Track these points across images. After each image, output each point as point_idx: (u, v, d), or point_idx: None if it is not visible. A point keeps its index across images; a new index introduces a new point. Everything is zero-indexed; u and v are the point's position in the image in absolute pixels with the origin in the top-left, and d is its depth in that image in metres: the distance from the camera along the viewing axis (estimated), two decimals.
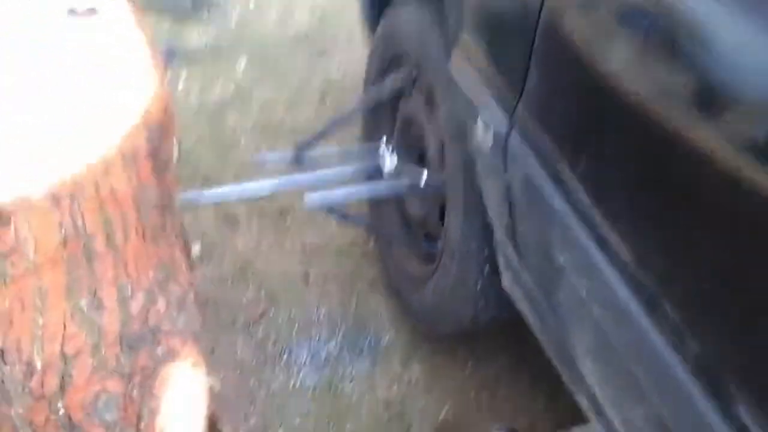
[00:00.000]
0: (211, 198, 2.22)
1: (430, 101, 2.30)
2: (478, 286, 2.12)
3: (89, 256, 1.63)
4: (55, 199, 1.49)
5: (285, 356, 2.47)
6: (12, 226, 1.51)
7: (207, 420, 1.99)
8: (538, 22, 1.58)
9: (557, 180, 1.55)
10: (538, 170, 1.61)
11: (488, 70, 1.80)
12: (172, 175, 1.95)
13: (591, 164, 1.46)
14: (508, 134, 1.71)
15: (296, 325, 2.57)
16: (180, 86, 3.57)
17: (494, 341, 2.47)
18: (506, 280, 1.96)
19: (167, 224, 1.88)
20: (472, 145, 1.93)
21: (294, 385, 2.38)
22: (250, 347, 2.49)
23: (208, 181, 3.01)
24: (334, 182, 2.38)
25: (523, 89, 1.65)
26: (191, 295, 1.97)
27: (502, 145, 1.73)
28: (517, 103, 1.68)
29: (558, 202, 1.54)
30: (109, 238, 1.65)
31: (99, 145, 1.57)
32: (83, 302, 1.65)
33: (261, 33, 4.03)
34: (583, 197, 1.46)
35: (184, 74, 3.69)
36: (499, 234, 1.89)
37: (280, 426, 2.25)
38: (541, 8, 1.57)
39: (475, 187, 2.02)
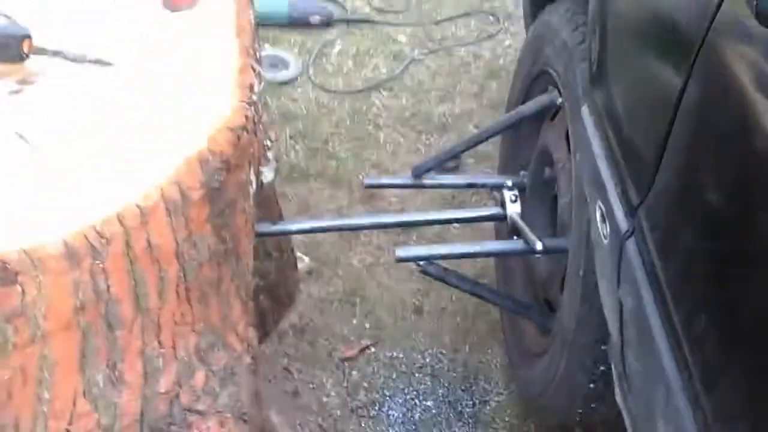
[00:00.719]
0: (296, 230, 1.94)
1: (569, 138, 1.91)
2: (590, 386, 1.74)
3: (111, 322, 1.41)
4: (73, 254, 1.26)
5: (376, 408, 2.18)
6: (18, 287, 1.30)
7: None
8: (677, 110, 1.17)
9: (670, 327, 1.16)
10: (652, 304, 1.21)
11: (613, 147, 1.40)
12: (246, 215, 1.69)
13: (714, 331, 1.06)
14: (625, 239, 1.31)
15: (397, 368, 2.28)
16: (332, 61, 3.29)
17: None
18: (617, 394, 1.58)
19: (224, 278, 1.63)
20: (592, 229, 1.54)
21: None
22: (340, 392, 2.21)
23: (332, 185, 2.74)
24: (445, 223, 2.04)
25: (649, 190, 1.25)
26: (245, 362, 1.71)
27: (618, 249, 1.34)
28: (640, 204, 1.28)
29: (668, 362, 1.15)
30: (138, 302, 1.43)
31: (135, 185, 1.33)
32: (99, 377, 1.44)
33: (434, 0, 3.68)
34: (698, 376, 1.07)
35: (337, 46, 3.40)
36: (613, 345, 1.51)
37: None
38: (683, 91, 1.16)
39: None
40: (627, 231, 1.32)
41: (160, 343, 1.48)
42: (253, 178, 1.69)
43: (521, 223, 1.86)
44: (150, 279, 1.41)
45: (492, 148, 2.89)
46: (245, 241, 1.70)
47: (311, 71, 3.22)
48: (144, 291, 1.41)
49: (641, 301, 1.24)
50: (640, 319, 1.25)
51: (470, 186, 2.21)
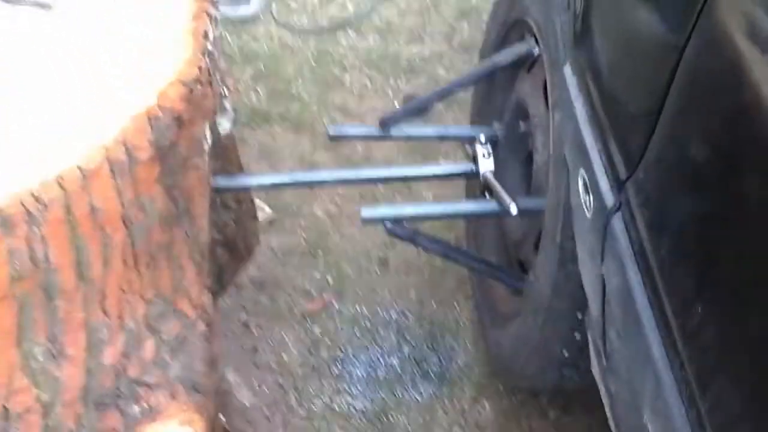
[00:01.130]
0: (256, 185, 1.83)
1: (547, 91, 1.81)
2: (564, 353, 1.67)
3: (50, 293, 1.31)
4: (6, 220, 1.17)
5: (338, 367, 2.10)
6: None
7: None
8: (675, 72, 1.08)
9: (661, 315, 1.08)
10: (640, 287, 1.13)
11: (599, 112, 1.31)
12: (200, 172, 1.58)
13: (711, 325, 0.98)
14: (611, 214, 1.23)
15: (360, 325, 2.20)
16: (292, 3, 3.14)
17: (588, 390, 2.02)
18: (594, 367, 1.51)
19: (176, 242, 1.53)
20: (572, 195, 1.45)
21: (340, 407, 2.02)
22: (300, 349, 2.13)
23: (295, 129, 2.63)
24: (413, 180, 1.94)
25: (639, 162, 1.16)
26: (199, 329, 1.62)
27: (602, 224, 1.25)
28: (629, 177, 1.19)
29: (658, 351, 1.07)
30: (80, 270, 1.32)
31: (77, 145, 1.22)
32: (38, 350, 1.34)
33: None
34: (692, 372, 0.99)
35: None
36: (592, 318, 1.44)
37: None
38: (683, 51, 1.06)
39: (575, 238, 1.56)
40: (613, 206, 1.23)
41: (105, 312, 1.39)
42: (208, 133, 1.58)
43: (495, 183, 1.77)
44: (93, 246, 1.31)
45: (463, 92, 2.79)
46: (199, 200, 1.59)
47: (274, 8, 3.07)
48: (86, 259, 1.31)
49: (628, 282, 1.16)
50: (626, 301, 1.17)
51: (440, 138, 2.11)
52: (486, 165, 1.88)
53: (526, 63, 1.99)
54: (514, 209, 1.66)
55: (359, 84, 2.82)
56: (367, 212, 1.71)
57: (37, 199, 1.19)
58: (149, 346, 1.50)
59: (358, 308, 2.23)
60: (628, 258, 1.17)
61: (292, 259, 2.32)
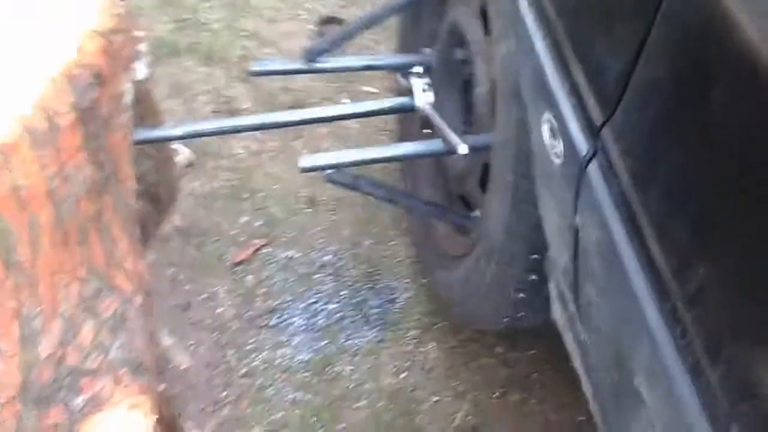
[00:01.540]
0: (178, 135, 1.68)
1: (486, 15, 1.70)
2: (519, 296, 1.61)
3: None
4: None
5: (275, 317, 2.00)
6: None
7: (164, 419, 1.56)
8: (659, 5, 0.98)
9: (654, 273, 1.00)
10: (626, 242, 1.05)
11: (564, 47, 1.21)
12: (124, 130, 1.43)
13: (717, 282, 0.91)
14: (586, 162, 1.14)
15: (294, 270, 2.09)
16: None
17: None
18: (556, 313, 1.45)
19: (106, 210, 1.39)
20: (532, 140, 1.36)
21: (282, 361, 1.92)
22: (234, 301, 2.02)
23: (206, 61, 2.45)
24: (347, 119, 1.82)
25: (618, 104, 1.07)
26: (137, 303, 1.49)
27: (576, 173, 1.16)
28: (606, 121, 1.10)
29: (653, 313, 1.00)
30: (7, 257, 1.19)
31: None
32: None
33: None
34: (697, 335, 0.92)
35: None
36: (558, 266, 1.36)
37: (255, 424, 1.81)
38: None
39: (531, 177, 1.47)
40: (588, 153, 1.14)
41: (38, 300, 1.26)
42: (129, 85, 1.43)
43: (438, 119, 1.66)
44: (19, 228, 1.18)
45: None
46: (125, 160, 1.45)
47: None
48: (12, 243, 1.18)
49: (611, 237, 1.08)
50: (610, 257, 1.09)
51: (369, 68, 1.98)
52: (424, 98, 1.77)
53: None
54: (463, 149, 1.56)
55: (270, 7, 2.65)
56: (305, 161, 1.59)
57: None
58: (87, 330, 1.37)
59: (290, 252, 2.12)
60: (609, 210, 1.08)
61: (216, 204, 2.18)
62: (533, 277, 1.57)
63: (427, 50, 1.97)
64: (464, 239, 1.81)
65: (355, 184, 1.66)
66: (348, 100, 2.42)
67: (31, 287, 1.23)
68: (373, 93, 2.42)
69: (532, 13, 1.31)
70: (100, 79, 1.26)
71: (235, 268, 2.07)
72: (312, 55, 1.90)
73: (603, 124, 1.11)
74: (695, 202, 0.95)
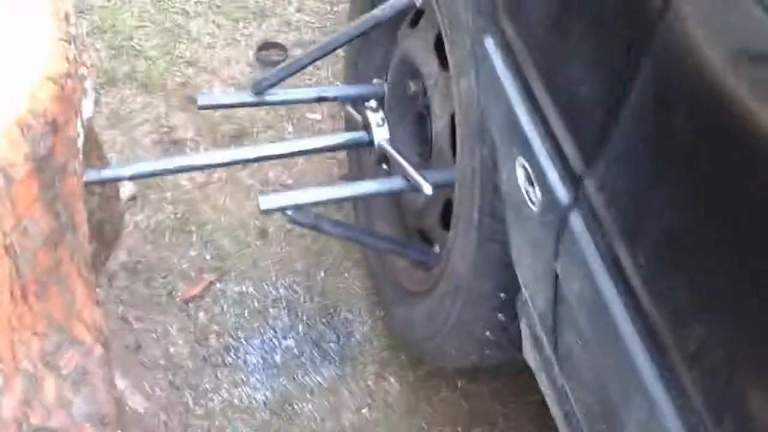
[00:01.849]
0: (128, 176, 1.63)
1: (441, 47, 1.68)
2: (486, 333, 1.59)
3: None
4: None
5: (231, 355, 1.96)
6: None
7: None
8: (650, 45, 0.96)
9: (651, 337, 1.00)
10: (615, 296, 1.05)
11: (539, 93, 1.20)
12: (77, 174, 1.38)
13: (724, 351, 0.90)
14: (567, 211, 1.13)
15: (248, 305, 2.05)
16: None
17: None
18: (528, 353, 1.44)
19: (63, 260, 1.34)
20: (503, 182, 1.35)
21: (240, 401, 1.88)
22: (187, 338, 1.97)
23: (145, 90, 2.39)
24: (301, 155, 1.79)
25: (600, 153, 1.07)
26: (97, 354, 1.44)
27: (555, 219, 1.15)
28: (587, 169, 1.09)
29: (651, 378, 0.99)
30: None
31: None
32: None
33: None
34: (706, 409, 0.92)
35: None
36: (533, 308, 1.35)
37: None
38: (661, 17, 0.94)
39: (499, 214, 1.46)
40: (569, 202, 1.13)
41: None
42: (80, 128, 1.38)
43: (399, 158, 1.64)
44: None
45: (318, 35, 2.63)
46: (79, 204, 1.40)
47: None
48: None
49: (597, 287, 1.07)
50: (595, 308, 1.08)
51: (320, 100, 1.95)
52: (381, 133, 1.74)
53: (408, 16, 1.85)
54: (428, 189, 1.54)
55: (207, 32, 2.60)
56: (266, 202, 1.55)
57: None
58: (49, 386, 1.33)
59: (242, 286, 2.07)
60: (595, 262, 1.08)
61: (163, 238, 2.13)
62: (501, 316, 1.55)
63: (377, 81, 1.95)
64: (424, 275, 1.79)
65: (316, 225, 1.63)
66: (291, 128, 2.38)
67: None
68: (317, 120, 2.39)
69: (500, 55, 1.30)
70: (54, 126, 1.21)
71: (187, 305, 2.02)
72: (260, 88, 1.86)
73: (584, 173, 1.10)
74: (688, 257, 0.95)
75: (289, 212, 1.55)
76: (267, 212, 1.55)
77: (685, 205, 0.95)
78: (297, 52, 2.56)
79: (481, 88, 1.41)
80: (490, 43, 1.33)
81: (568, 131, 1.13)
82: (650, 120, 0.99)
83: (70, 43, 1.30)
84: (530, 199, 1.23)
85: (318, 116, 2.40)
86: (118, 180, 1.68)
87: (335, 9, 2.68)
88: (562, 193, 1.15)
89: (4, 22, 1.23)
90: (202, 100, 1.89)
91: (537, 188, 1.20)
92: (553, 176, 1.16)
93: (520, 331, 1.50)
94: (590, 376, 1.16)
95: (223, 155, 1.70)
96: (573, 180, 1.13)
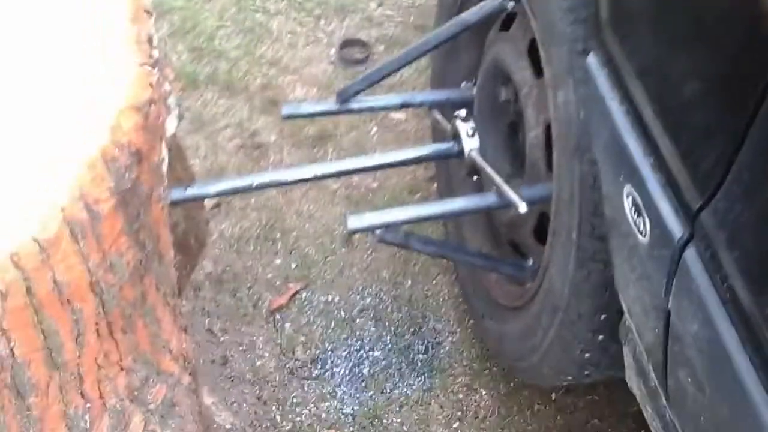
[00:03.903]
0: (214, 193, 1.60)
1: (535, 53, 1.61)
2: (586, 355, 1.53)
3: (21, 391, 1.10)
4: None
5: (318, 367, 1.93)
6: None
7: None
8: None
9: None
10: (737, 342, 0.98)
11: (648, 118, 1.12)
12: (162, 200, 1.35)
13: None
14: (682, 247, 1.06)
15: (334, 315, 2.01)
16: None
17: None
18: (632, 381, 1.38)
19: (149, 291, 1.31)
20: (609, 207, 1.28)
21: (327, 414, 1.85)
22: (274, 351, 1.94)
23: (227, 92, 2.36)
24: (393, 167, 1.74)
25: (719, 186, 0.99)
26: (185, 383, 1.42)
27: (668, 254, 1.08)
28: (705, 204, 1.02)
29: (764, 408, 0.93)
30: (51, 357, 1.12)
31: (27, 212, 1.00)
32: None
33: None
34: None
35: None
36: (639, 339, 1.28)
37: None
38: None
39: (599, 234, 1.39)
40: (683, 237, 1.06)
41: (84, 397, 1.19)
42: (165, 152, 1.35)
43: (492, 172, 1.58)
44: (62, 326, 1.11)
45: (401, 30, 2.57)
46: (165, 231, 1.37)
47: None
48: (56, 343, 1.11)
49: (716, 332, 1.00)
50: (714, 353, 1.02)
51: (405, 106, 1.89)
52: (471, 144, 1.68)
53: (499, 19, 1.78)
54: (522, 207, 1.48)
55: (288, 31, 2.55)
56: (354, 222, 1.50)
57: None
58: (137, 422, 1.31)
59: (328, 296, 2.04)
60: (714, 305, 1.01)
61: (248, 246, 2.10)
62: (601, 337, 1.49)
63: (465, 85, 1.89)
64: (517, 290, 1.73)
65: (406, 243, 1.58)
66: (375, 128, 2.33)
67: (77, 385, 1.17)
68: (401, 120, 2.34)
69: (605, 75, 1.23)
70: (138, 157, 1.18)
71: (273, 316, 1.99)
72: (345, 96, 1.81)
73: (701, 208, 1.03)
74: None
75: (378, 232, 1.50)
76: (355, 232, 1.51)
77: None
78: (380, 49, 2.51)
79: (583, 104, 1.34)
80: (592, 58, 1.26)
81: (683, 161, 1.06)
82: None
83: (153, 67, 1.27)
84: (639, 230, 1.16)
85: (402, 116, 2.34)
86: (203, 198, 1.65)
87: (418, 2, 2.61)
88: (675, 227, 1.08)
89: (86, 50, 1.20)
90: (286, 110, 1.85)
91: (646, 219, 1.13)
92: (666, 209, 1.09)
93: (620, 352, 1.43)
94: (704, 417, 1.09)
95: (310, 170, 1.65)
96: (687, 213, 1.05)
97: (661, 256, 1.11)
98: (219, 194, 1.62)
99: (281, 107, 1.84)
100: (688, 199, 1.05)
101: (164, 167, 1.33)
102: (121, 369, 1.26)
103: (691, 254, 1.04)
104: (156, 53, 1.30)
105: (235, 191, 1.62)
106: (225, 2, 2.60)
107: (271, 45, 2.50)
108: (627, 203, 1.18)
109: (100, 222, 1.10)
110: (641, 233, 1.15)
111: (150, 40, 1.30)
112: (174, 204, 1.57)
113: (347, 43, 2.52)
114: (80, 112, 1.12)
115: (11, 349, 1.06)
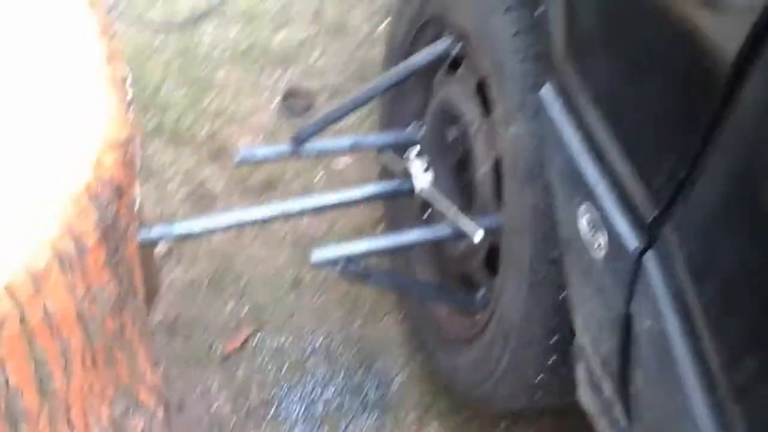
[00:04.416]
0: (176, 233, 1.62)
1: (482, 93, 1.68)
2: (538, 378, 1.58)
3: (14, 418, 1.11)
4: None
5: (272, 408, 1.93)
6: None
7: None
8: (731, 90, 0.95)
9: (704, 365, 0.99)
10: (678, 331, 1.04)
11: (604, 141, 1.19)
12: (135, 236, 1.38)
13: None
14: (641, 254, 1.12)
15: (287, 357, 2.03)
16: None
17: None
18: (585, 397, 1.42)
19: (127, 324, 1.34)
20: (563, 229, 1.34)
21: None
22: (228, 394, 1.95)
23: (174, 143, 2.39)
24: (347, 206, 1.79)
25: (676, 196, 1.06)
26: (159, 416, 1.43)
27: (627, 264, 1.15)
28: (663, 214, 1.08)
29: (697, 400, 0.99)
30: (42, 386, 1.13)
31: (17, 245, 1.04)
32: None
33: None
34: None
35: None
36: (593, 352, 1.34)
37: None
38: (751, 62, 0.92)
39: (551, 258, 1.46)
40: (641, 246, 1.12)
41: (70, 424, 1.20)
42: (138, 190, 1.39)
43: (447, 204, 1.64)
44: (52, 355, 1.13)
45: (342, 80, 2.64)
46: (137, 268, 1.40)
47: (122, 4, 2.78)
48: (47, 371, 1.13)
49: (665, 326, 1.07)
50: (662, 346, 1.08)
51: (355, 148, 1.95)
52: (422, 180, 1.74)
53: (445, 63, 1.85)
54: (479, 235, 1.54)
55: (233, 82, 2.60)
56: (318, 255, 1.54)
57: None
58: None
59: (280, 338, 2.06)
60: (664, 301, 1.07)
61: (199, 293, 2.11)
62: (553, 358, 1.54)
63: (412, 126, 1.95)
64: (468, 321, 1.78)
65: (365, 276, 1.62)
66: (320, 175, 2.38)
67: (64, 414, 1.18)
68: (346, 165, 2.39)
69: (559, 103, 1.30)
70: (119, 192, 1.21)
71: (227, 360, 2.00)
72: (300, 140, 1.86)
73: (655, 219, 1.10)
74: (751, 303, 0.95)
75: (340, 265, 1.54)
76: (318, 265, 1.54)
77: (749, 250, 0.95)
78: (322, 98, 2.57)
79: (534, 136, 1.41)
80: (546, 90, 1.33)
81: (639, 178, 1.13)
82: (724, 162, 0.99)
83: (129, 106, 1.31)
84: (595, 246, 1.22)
85: (348, 161, 2.40)
86: (168, 239, 1.67)
87: (358, 53, 2.69)
88: (631, 237, 1.14)
89: (68, 89, 1.24)
90: (239, 156, 1.88)
91: (603, 234, 1.20)
92: (621, 222, 1.16)
93: (569, 374, 1.49)
94: (649, 414, 1.15)
95: (259, 212, 1.68)
96: (643, 224, 1.12)
97: (619, 267, 1.17)
98: (182, 236, 1.63)
99: (237, 152, 1.86)
100: (642, 212, 1.12)
101: (136, 205, 1.37)
102: (104, 398, 1.27)
103: (649, 259, 1.11)
104: (130, 93, 1.35)
105: (202, 233, 1.64)
106: (169, 55, 2.64)
107: (216, 96, 2.55)
108: (583, 222, 1.24)
109: (86, 255, 1.13)
110: (598, 249, 1.21)
111: (124, 80, 1.34)
112: (141, 245, 1.58)
113: (290, 93, 2.57)
114: (65, 149, 1.15)
115: (6, 377, 1.07)
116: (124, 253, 1.27)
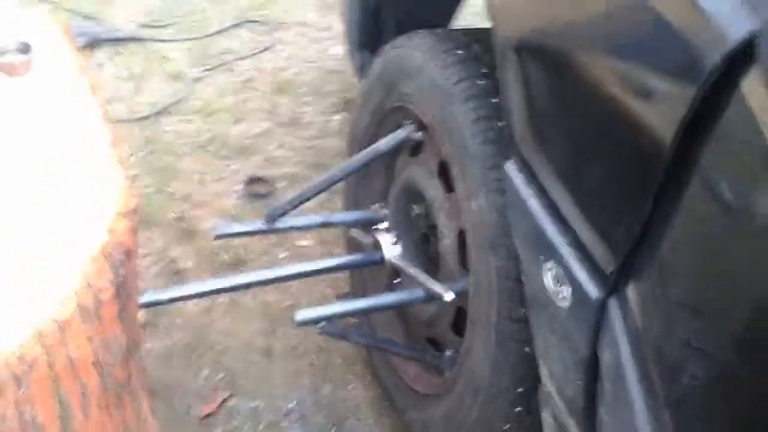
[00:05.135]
0: (166, 298, 1.78)
1: (444, 174, 1.90)
2: (505, 427, 1.76)
3: None
4: None
5: None
6: None
7: None
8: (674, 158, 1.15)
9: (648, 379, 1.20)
10: (630, 360, 1.25)
11: (565, 207, 1.41)
12: (136, 295, 1.53)
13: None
14: (604, 300, 1.34)
15: (261, 419, 2.17)
16: (107, 86, 3.03)
17: None
18: None
19: (133, 374, 1.48)
20: (528, 286, 1.55)
21: None
22: None
23: (144, 225, 2.55)
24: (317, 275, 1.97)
25: (627, 253, 1.28)
26: None
27: (592, 311, 1.36)
28: (617, 268, 1.30)
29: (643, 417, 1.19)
30: (65, 425, 1.27)
31: (46, 296, 1.17)
32: None
33: (200, 12, 3.51)
34: None
35: (109, 69, 3.16)
36: (559, 396, 1.54)
37: None
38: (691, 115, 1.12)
39: (516, 314, 1.66)
40: (603, 294, 1.34)
41: None
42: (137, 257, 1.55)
43: (416, 270, 1.84)
44: (73, 397, 1.28)
45: (299, 168, 2.84)
46: (137, 324, 1.56)
47: None
48: (69, 412, 1.27)
49: (620, 357, 1.27)
50: (618, 375, 1.28)
51: (326, 225, 2.15)
52: (393, 251, 1.94)
53: (407, 147, 2.07)
54: (450, 295, 1.74)
55: (197, 170, 2.78)
56: (302, 315, 1.72)
57: (21, 360, 1.13)
58: None
59: (255, 402, 2.20)
60: (623, 341, 1.28)
61: (175, 361, 2.25)
62: (519, 408, 1.73)
63: (376, 206, 2.16)
64: (438, 379, 1.96)
65: (345, 335, 1.80)
66: (284, 254, 2.56)
67: None
68: (308, 246, 2.58)
69: (522, 176, 1.52)
70: (128, 256, 1.37)
71: (204, 421, 2.14)
72: (272, 217, 2.05)
73: (613, 271, 1.31)
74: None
75: (322, 325, 1.72)
76: (302, 324, 1.72)
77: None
78: (282, 185, 2.77)
79: (497, 208, 1.63)
80: (510, 165, 1.56)
81: (597, 237, 1.35)
82: (672, 224, 1.21)
83: (131, 183, 1.49)
84: (560, 298, 1.43)
85: (308, 242, 2.58)
86: (157, 304, 1.82)
87: (313, 144, 2.91)
88: (592, 287, 1.35)
89: (85, 167, 1.40)
90: (217, 232, 2.06)
91: (567, 287, 1.41)
92: (583, 275, 1.37)
93: (533, 423, 1.68)
94: None
95: (241, 278, 1.86)
96: (602, 275, 1.33)
97: (583, 314, 1.38)
98: (171, 300, 1.79)
99: (215, 227, 2.04)
100: (602, 265, 1.34)
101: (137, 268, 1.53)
102: None
103: (612, 304, 1.32)
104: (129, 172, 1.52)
105: (192, 296, 1.80)
106: (136, 145, 2.82)
107: (182, 183, 2.72)
108: (547, 278, 1.45)
109: (102, 308, 1.29)
110: (563, 300, 1.42)
111: (123, 161, 1.52)
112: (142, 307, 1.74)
113: (252, 180, 2.76)
114: (85, 216, 1.32)
115: (33, 415, 1.21)
116: (129, 311, 1.42)
